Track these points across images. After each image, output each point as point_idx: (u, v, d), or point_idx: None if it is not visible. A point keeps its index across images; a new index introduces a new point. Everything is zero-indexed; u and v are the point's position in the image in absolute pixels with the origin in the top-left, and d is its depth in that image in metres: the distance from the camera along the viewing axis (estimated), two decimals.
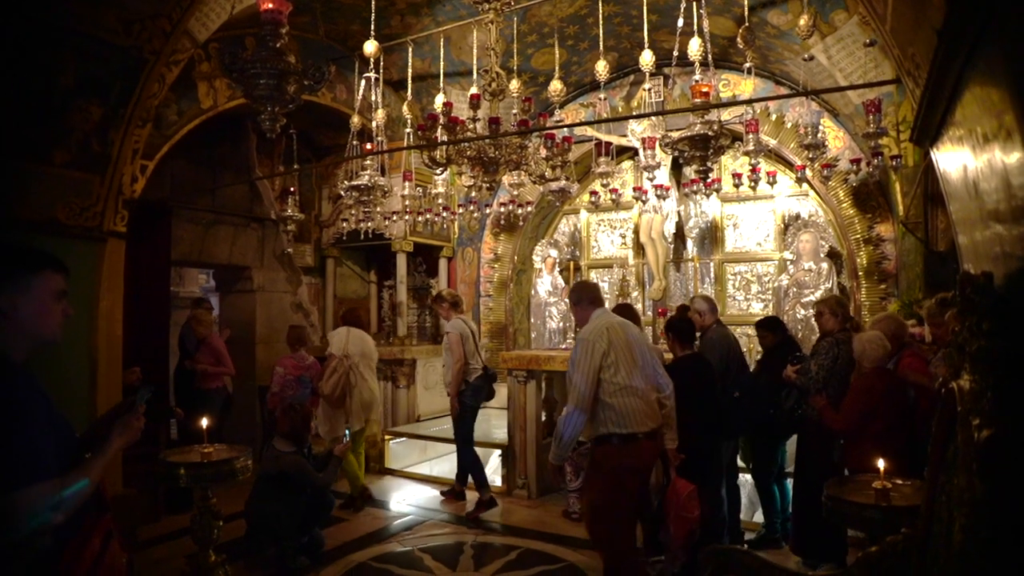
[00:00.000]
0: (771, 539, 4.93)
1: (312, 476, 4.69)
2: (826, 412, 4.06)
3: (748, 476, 5.26)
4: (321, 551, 4.83)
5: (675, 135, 3.98)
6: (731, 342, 5.06)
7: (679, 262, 7.91)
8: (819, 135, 4.86)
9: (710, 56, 4.19)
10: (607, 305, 7.28)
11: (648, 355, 3.75)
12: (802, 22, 4.10)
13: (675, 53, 4.28)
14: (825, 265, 6.82)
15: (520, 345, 8.55)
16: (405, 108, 5.60)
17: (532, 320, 8.49)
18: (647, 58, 4.68)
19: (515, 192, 5.48)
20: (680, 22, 4.39)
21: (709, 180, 4.62)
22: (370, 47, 5.00)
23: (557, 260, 8.26)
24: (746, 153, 4.57)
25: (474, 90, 4.44)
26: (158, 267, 6.26)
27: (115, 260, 4.94)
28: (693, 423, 4.17)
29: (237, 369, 6.96)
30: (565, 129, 5.53)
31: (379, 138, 5.16)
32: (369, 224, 6.28)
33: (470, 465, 6.13)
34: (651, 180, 5.43)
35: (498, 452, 6.92)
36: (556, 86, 5.31)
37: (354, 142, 5.42)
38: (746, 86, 6.73)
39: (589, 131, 7.13)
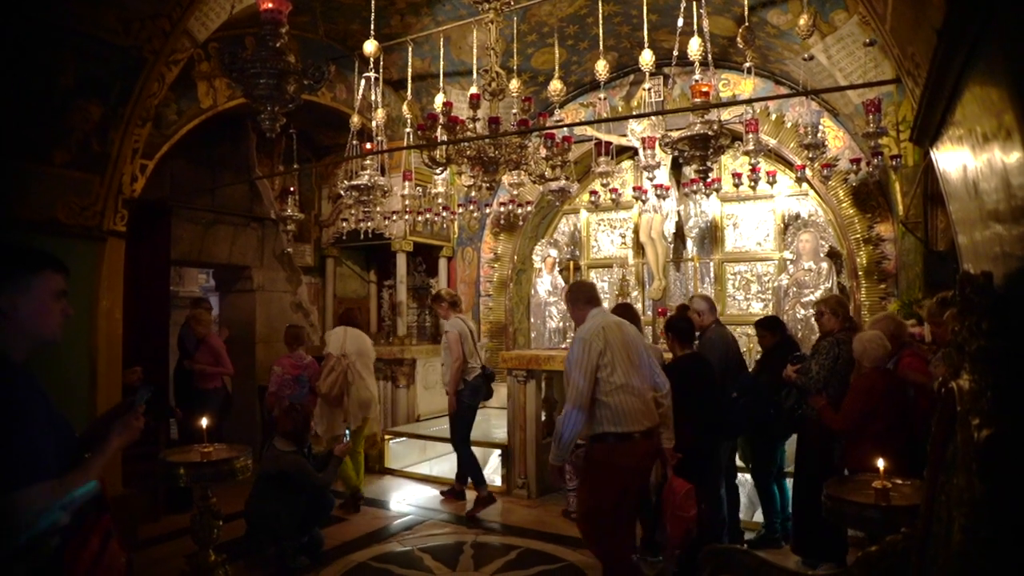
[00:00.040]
0: (771, 539, 4.94)
1: (312, 476, 4.69)
2: (826, 412, 4.06)
3: (747, 476, 5.26)
4: (321, 551, 4.84)
5: (675, 135, 3.98)
6: (729, 342, 5.06)
7: (679, 262, 7.91)
8: (819, 135, 4.85)
9: (710, 56, 4.19)
10: (607, 305, 7.31)
11: (645, 354, 3.76)
12: (802, 22, 4.10)
13: (675, 53, 4.28)
14: (825, 265, 6.82)
15: (520, 345, 8.55)
16: (405, 108, 5.60)
17: (532, 320, 8.48)
18: (647, 58, 4.67)
19: (515, 192, 5.48)
20: (680, 22, 4.39)
21: (709, 180, 4.62)
22: (370, 47, 5.00)
23: (557, 260, 8.25)
24: (746, 153, 4.57)
25: (474, 90, 4.44)
26: (158, 267, 6.26)
27: (115, 260, 4.94)
28: (692, 423, 4.17)
29: (237, 369, 6.96)
30: (565, 129, 5.53)
31: (379, 138, 5.16)
32: (369, 224, 6.28)
33: (467, 463, 6.14)
34: (651, 180, 5.43)
35: (498, 452, 6.93)
36: (556, 86, 5.31)
37: (354, 142, 5.42)
38: (746, 86, 6.73)
39: (589, 131, 7.13)
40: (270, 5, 2.70)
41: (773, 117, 6.96)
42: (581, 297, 3.88)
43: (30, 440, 1.66)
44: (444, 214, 6.43)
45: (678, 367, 4.46)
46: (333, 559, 4.80)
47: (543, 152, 4.81)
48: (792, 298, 6.86)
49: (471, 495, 6.15)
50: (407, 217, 6.33)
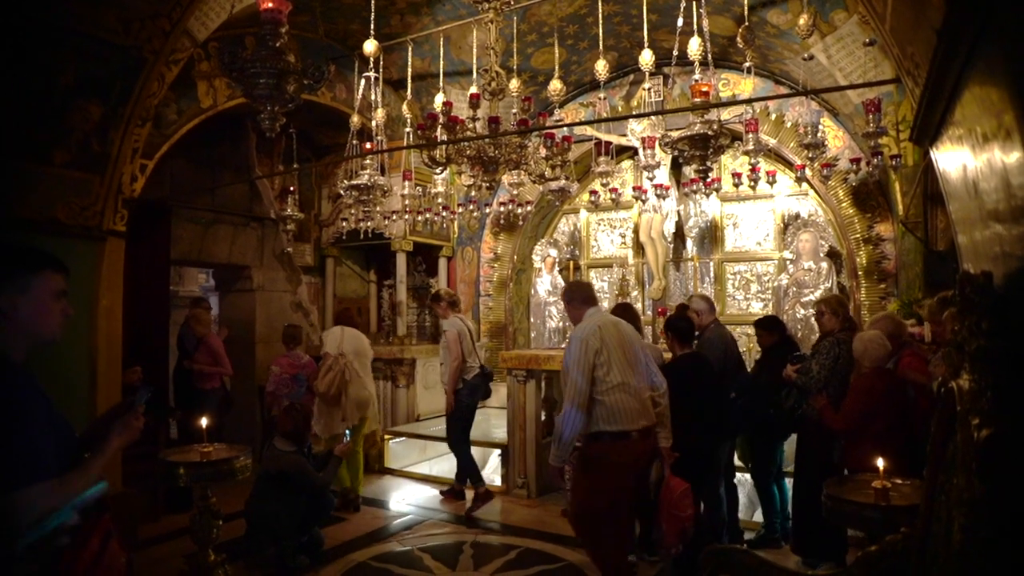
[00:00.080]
0: (771, 539, 4.94)
1: (312, 476, 4.69)
2: (827, 412, 4.06)
3: (747, 476, 5.26)
4: (321, 550, 4.84)
5: (675, 134, 3.98)
6: (729, 342, 5.06)
7: (679, 261, 7.91)
8: (819, 134, 4.85)
9: (710, 55, 4.19)
10: (607, 304, 7.31)
11: (641, 353, 3.77)
12: (802, 21, 4.10)
13: (675, 52, 4.28)
14: (825, 265, 6.82)
15: (520, 344, 8.55)
16: (405, 107, 5.60)
17: (532, 319, 8.49)
18: (647, 57, 4.67)
19: (515, 191, 5.48)
20: (680, 21, 4.39)
21: (709, 179, 4.62)
22: (370, 46, 5.00)
23: (557, 259, 8.25)
24: (746, 152, 4.57)
25: (474, 89, 4.44)
26: (158, 266, 6.26)
27: (115, 259, 4.94)
28: (692, 422, 4.17)
29: (237, 369, 6.96)
30: (565, 128, 5.53)
31: (379, 137, 5.16)
32: (369, 223, 6.28)
33: (463, 461, 6.16)
34: (651, 179, 5.43)
35: (498, 451, 6.93)
36: (556, 85, 5.31)
37: (354, 141, 5.42)
38: (746, 85, 6.73)
39: (589, 130, 7.13)
40: (270, 5, 2.70)
41: (773, 117, 6.96)
42: (578, 297, 3.90)
43: (30, 440, 1.66)
44: (444, 214, 6.43)
45: (677, 367, 4.46)
46: (333, 559, 4.80)
47: (543, 152, 4.81)
48: (792, 298, 6.86)
49: (471, 495, 6.16)
50: (407, 217, 6.32)
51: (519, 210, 6.48)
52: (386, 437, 7.56)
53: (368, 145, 5.27)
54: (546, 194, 5.83)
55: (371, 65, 5.25)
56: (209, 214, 7.38)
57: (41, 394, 1.75)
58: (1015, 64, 1.33)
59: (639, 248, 7.88)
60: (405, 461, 7.59)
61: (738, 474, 5.19)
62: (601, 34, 5.37)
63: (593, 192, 6.28)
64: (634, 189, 7.14)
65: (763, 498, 5.04)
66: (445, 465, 7.26)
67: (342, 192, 5.46)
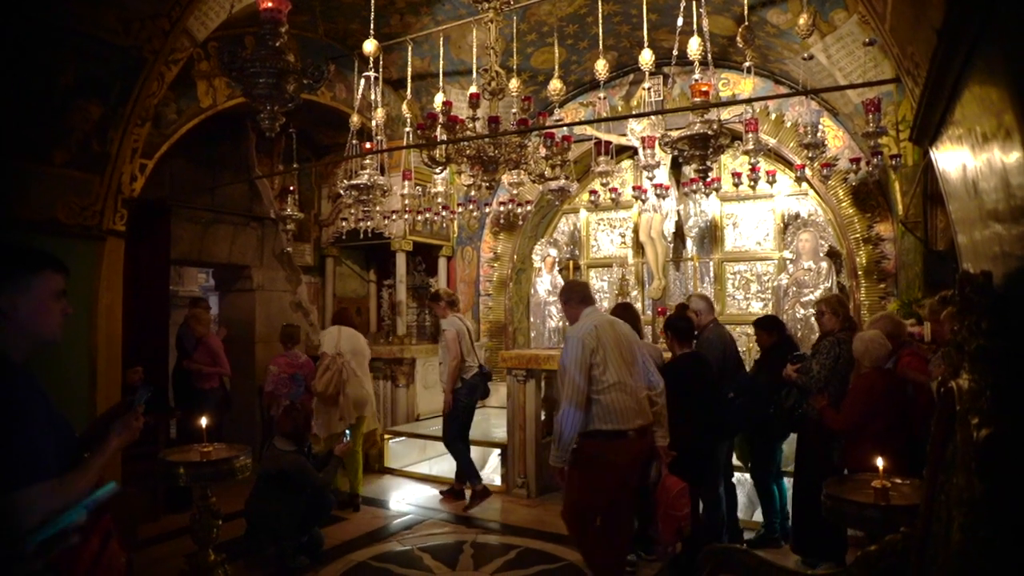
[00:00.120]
0: (770, 538, 4.94)
1: (312, 475, 4.69)
2: (827, 412, 4.06)
3: (746, 476, 5.26)
4: (320, 550, 4.84)
5: (675, 134, 3.98)
6: (728, 341, 5.06)
7: (679, 261, 7.91)
8: (818, 134, 4.86)
9: (709, 55, 4.19)
10: (607, 304, 7.31)
11: (638, 352, 3.77)
12: (801, 21, 4.10)
13: (675, 52, 4.28)
14: (824, 264, 6.82)
15: (519, 344, 8.55)
16: (404, 107, 5.60)
17: (531, 319, 8.48)
18: (647, 57, 4.67)
19: (514, 191, 5.48)
20: (680, 21, 4.39)
21: (708, 179, 4.63)
22: (369, 46, 5.00)
23: (556, 259, 8.25)
24: (746, 152, 4.57)
25: (473, 89, 4.44)
26: (157, 266, 6.26)
27: (114, 259, 4.93)
28: (691, 422, 4.18)
29: (236, 368, 6.96)
30: (564, 128, 5.53)
31: (378, 137, 5.16)
32: (368, 223, 6.28)
33: (459, 459, 6.18)
34: (651, 179, 5.43)
35: (497, 451, 6.93)
36: (556, 85, 5.31)
37: (353, 141, 5.42)
38: (745, 85, 6.73)
39: (589, 130, 7.12)
40: (270, 4, 2.70)
41: (773, 116, 6.96)
42: (574, 297, 3.91)
43: (30, 440, 1.66)
44: (444, 213, 6.43)
45: (677, 366, 4.47)
46: (333, 558, 4.80)
47: (543, 151, 4.81)
48: (792, 297, 6.86)
49: (469, 493, 6.17)
50: (407, 216, 6.32)
51: (519, 210, 6.48)
52: (386, 437, 7.56)
53: (368, 145, 5.27)
54: (546, 194, 5.83)
55: (371, 65, 5.25)
56: (209, 214, 7.38)
57: (41, 394, 1.75)
58: (1015, 64, 1.33)
59: (639, 248, 7.88)
60: (405, 461, 7.60)
61: (737, 474, 5.20)
62: (601, 34, 5.37)
63: (593, 192, 6.28)
64: (634, 189, 7.14)
65: (763, 498, 5.04)
66: (445, 465, 7.26)
67: (342, 192, 5.45)
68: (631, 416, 3.56)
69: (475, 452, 6.67)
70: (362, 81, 5.48)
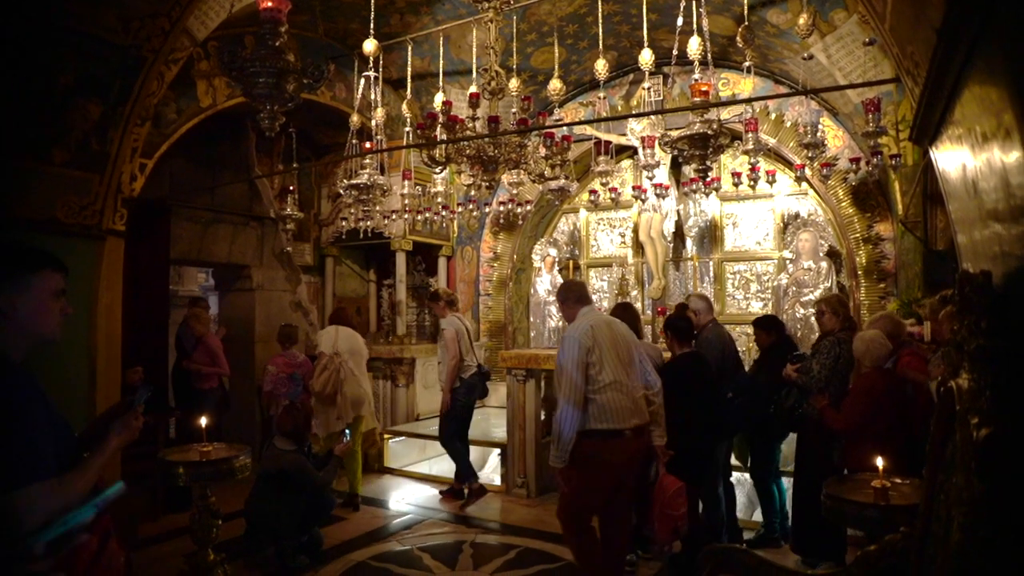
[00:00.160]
0: (770, 538, 4.94)
1: (312, 475, 4.69)
2: (828, 412, 4.06)
3: (746, 475, 5.26)
4: (320, 550, 4.83)
5: (674, 134, 3.98)
6: (727, 341, 5.06)
7: (678, 261, 7.91)
8: (818, 134, 4.86)
9: (709, 55, 4.19)
10: (607, 304, 7.30)
11: (635, 352, 3.77)
12: (801, 21, 4.10)
13: (674, 52, 4.28)
14: (824, 264, 6.82)
15: (519, 344, 8.55)
16: (404, 107, 5.60)
17: (531, 319, 8.49)
18: (646, 57, 4.68)
19: (514, 191, 5.48)
20: (680, 21, 4.39)
21: (708, 179, 4.63)
22: (369, 46, 5.00)
23: (556, 259, 8.26)
24: (745, 152, 4.57)
25: (473, 89, 4.44)
26: (157, 266, 6.25)
27: (114, 259, 4.93)
28: (691, 422, 4.18)
29: (236, 368, 6.95)
30: (564, 128, 5.53)
31: (378, 137, 5.16)
32: (368, 223, 6.28)
33: (454, 458, 6.20)
34: (650, 179, 5.42)
35: (497, 451, 6.93)
36: (555, 85, 5.31)
37: (353, 141, 5.42)
38: (745, 85, 6.73)
39: (588, 130, 7.12)
40: (269, 4, 2.69)
41: (773, 116, 6.96)
42: (571, 296, 3.93)
43: (29, 440, 1.66)
44: (443, 213, 6.43)
45: (676, 366, 4.47)
46: (332, 558, 4.80)
47: (542, 151, 4.81)
48: (791, 297, 6.86)
49: (467, 492, 6.20)
50: (406, 216, 6.32)
51: (519, 209, 6.48)
52: (386, 436, 7.56)
53: (368, 144, 5.27)
54: (546, 193, 5.83)
55: (371, 64, 5.25)
56: (209, 213, 7.37)
57: (40, 394, 1.75)
58: (1015, 63, 1.33)
59: (639, 247, 7.88)
60: (404, 460, 7.60)
61: (736, 474, 5.20)
62: (601, 33, 5.37)
63: (593, 191, 6.28)
64: (634, 188, 7.14)
65: (762, 498, 5.04)
66: (444, 465, 7.26)
67: (342, 191, 5.46)
68: (627, 415, 3.56)
69: (475, 452, 6.67)
70: (362, 81, 5.48)
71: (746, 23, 4.43)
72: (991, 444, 1.42)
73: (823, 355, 4.38)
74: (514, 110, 4.88)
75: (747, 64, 4.56)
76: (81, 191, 4.58)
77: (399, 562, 4.75)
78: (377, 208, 5.69)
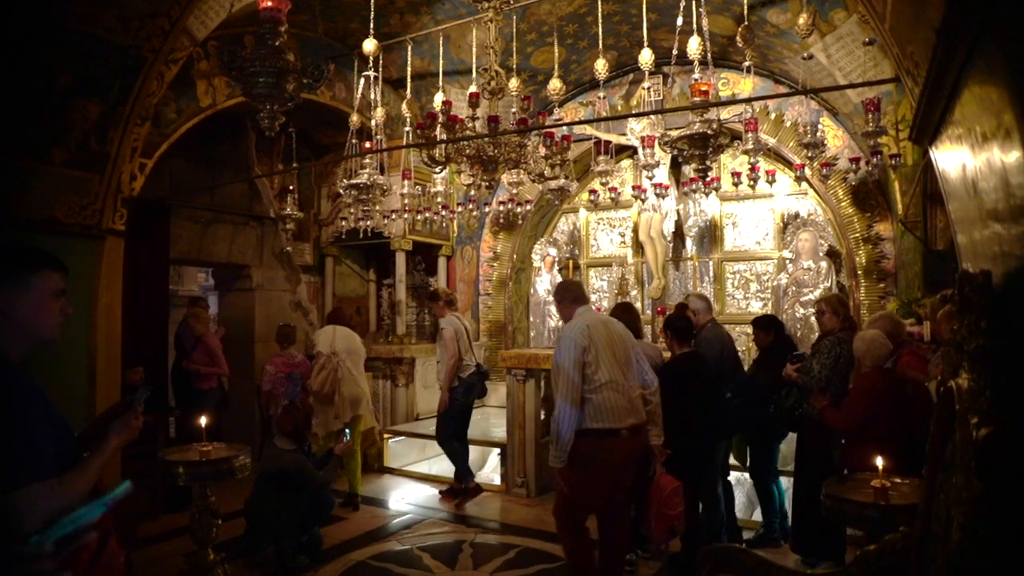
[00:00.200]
0: (770, 538, 4.94)
1: (312, 474, 4.69)
2: (828, 412, 4.06)
3: (745, 475, 5.26)
4: (320, 549, 4.84)
5: (674, 134, 3.98)
6: (725, 341, 5.06)
7: (678, 261, 7.91)
8: (818, 134, 4.85)
9: (709, 55, 4.19)
10: (607, 304, 7.30)
11: (631, 351, 3.77)
12: (801, 21, 4.10)
13: (674, 52, 4.28)
14: (824, 264, 6.82)
15: (519, 344, 8.55)
16: (404, 106, 5.60)
17: (531, 319, 8.49)
18: (646, 57, 4.68)
19: (514, 191, 5.48)
20: (679, 21, 4.40)
21: (708, 179, 4.62)
22: (369, 45, 5.00)
23: (556, 259, 8.26)
24: (745, 152, 4.56)
25: (473, 88, 4.44)
26: (157, 265, 6.25)
27: (114, 258, 4.93)
28: (690, 422, 4.18)
29: (236, 368, 6.95)
30: (564, 128, 5.52)
31: (378, 136, 5.16)
32: (368, 223, 6.28)
33: (451, 457, 6.20)
34: (650, 179, 5.42)
35: (497, 451, 6.93)
36: (555, 85, 5.31)
37: (353, 140, 5.42)
38: (745, 85, 6.73)
39: (588, 130, 7.12)
40: (269, 3, 2.69)
41: (772, 116, 6.96)
42: (568, 296, 3.95)
43: (29, 440, 1.66)
44: (443, 213, 6.43)
45: (676, 366, 4.47)
46: (332, 558, 4.80)
47: (542, 151, 4.81)
48: (791, 297, 6.87)
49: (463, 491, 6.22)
50: (406, 216, 6.33)
51: (518, 209, 6.48)
52: (385, 436, 7.56)
53: (367, 144, 5.27)
54: (545, 193, 5.83)
55: (371, 64, 5.25)
56: (208, 213, 7.37)
57: (40, 394, 1.75)
58: (1015, 63, 1.33)
59: (638, 247, 7.88)
60: (404, 460, 7.60)
61: (736, 474, 5.20)
62: (601, 33, 5.37)
63: (592, 191, 6.28)
64: (633, 188, 7.14)
65: (762, 497, 5.04)
66: (444, 464, 7.25)
67: (341, 191, 5.45)
68: (623, 415, 3.57)
69: (474, 451, 6.68)
70: (362, 80, 5.48)
71: (746, 23, 4.43)
72: (991, 444, 1.42)
73: (823, 355, 4.38)
74: (514, 110, 4.88)
75: (747, 64, 4.56)
76: (81, 191, 4.58)
77: (399, 562, 4.75)
78: (377, 208, 5.69)
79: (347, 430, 5.73)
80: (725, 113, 6.09)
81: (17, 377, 1.72)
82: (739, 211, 7.81)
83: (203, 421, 3.89)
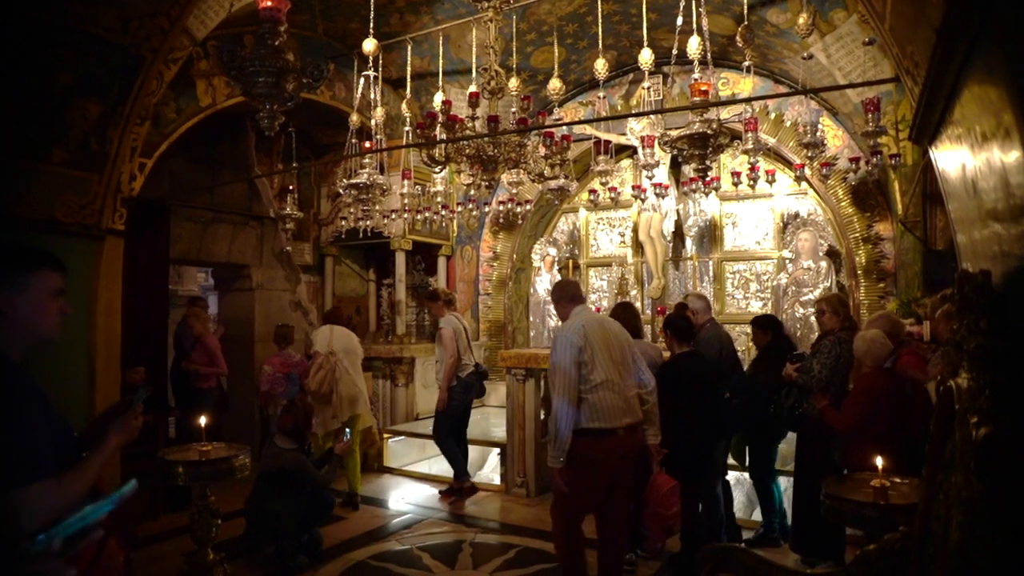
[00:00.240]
0: (769, 537, 4.94)
1: (312, 473, 4.69)
2: (828, 412, 4.06)
3: (744, 475, 5.26)
4: (320, 549, 4.84)
5: (674, 133, 3.98)
6: (724, 341, 5.06)
7: (678, 260, 7.91)
8: (818, 134, 4.85)
9: (709, 54, 4.19)
10: (607, 303, 7.30)
11: (627, 351, 3.77)
12: (801, 21, 4.10)
13: (674, 51, 4.28)
14: (824, 264, 6.82)
15: (519, 343, 8.55)
16: (404, 106, 5.60)
17: (531, 319, 8.48)
18: (646, 56, 4.67)
19: (514, 190, 5.48)
20: (679, 20, 4.40)
21: (708, 178, 4.62)
22: (369, 45, 5.00)
23: (556, 258, 8.26)
24: (745, 152, 4.56)
25: (473, 88, 4.44)
26: (157, 265, 6.25)
27: (113, 258, 4.93)
28: (690, 421, 4.18)
29: (236, 368, 6.95)
30: (564, 127, 5.53)
31: (378, 136, 5.16)
32: (368, 222, 6.28)
33: (449, 457, 6.22)
34: (650, 178, 5.42)
35: (497, 450, 6.93)
36: (555, 84, 5.31)
37: (353, 140, 5.41)
38: (745, 84, 6.73)
39: (588, 129, 7.12)
40: (269, 3, 2.69)
41: (772, 116, 6.96)
42: (564, 296, 3.95)
43: (28, 439, 1.66)
44: (443, 213, 6.43)
45: (675, 365, 4.47)
46: (332, 557, 4.80)
47: (542, 151, 4.80)
48: (791, 297, 6.86)
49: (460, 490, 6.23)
50: (406, 216, 6.33)
51: (518, 209, 6.48)
52: (385, 436, 7.56)
53: (367, 144, 5.27)
54: (545, 193, 5.83)
55: (370, 64, 5.25)
56: (208, 213, 7.37)
57: (40, 393, 1.75)
58: (1014, 63, 1.33)
59: (638, 247, 7.88)
60: (404, 460, 7.60)
61: (736, 473, 5.19)
62: (600, 33, 5.37)
63: (592, 191, 6.28)
64: (633, 188, 7.14)
65: (762, 497, 5.04)
66: (444, 464, 7.24)
67: (341, 191, 5.45)
68: (619, 414, 3.57)
69: (474, 451, 6.68)
70: (361, 80, 5.47)
71: (746, 23, 4.43)
72: (990, 443, 1.42)
73: (824, 355, 4.38)
74: (514, 110, 4.88)
75: (747, 64, 4.56)
76: (80, 191, 4.58)
77: (398, 561, 4.75)
78: (377, 207, 5.68)
79: (347, 429, 5.73)
80: (725, 113, 6.09)
81: (17, 377, 1.72)
82: (739, 211, 7.81)
83: (203, 421, 3.89)
